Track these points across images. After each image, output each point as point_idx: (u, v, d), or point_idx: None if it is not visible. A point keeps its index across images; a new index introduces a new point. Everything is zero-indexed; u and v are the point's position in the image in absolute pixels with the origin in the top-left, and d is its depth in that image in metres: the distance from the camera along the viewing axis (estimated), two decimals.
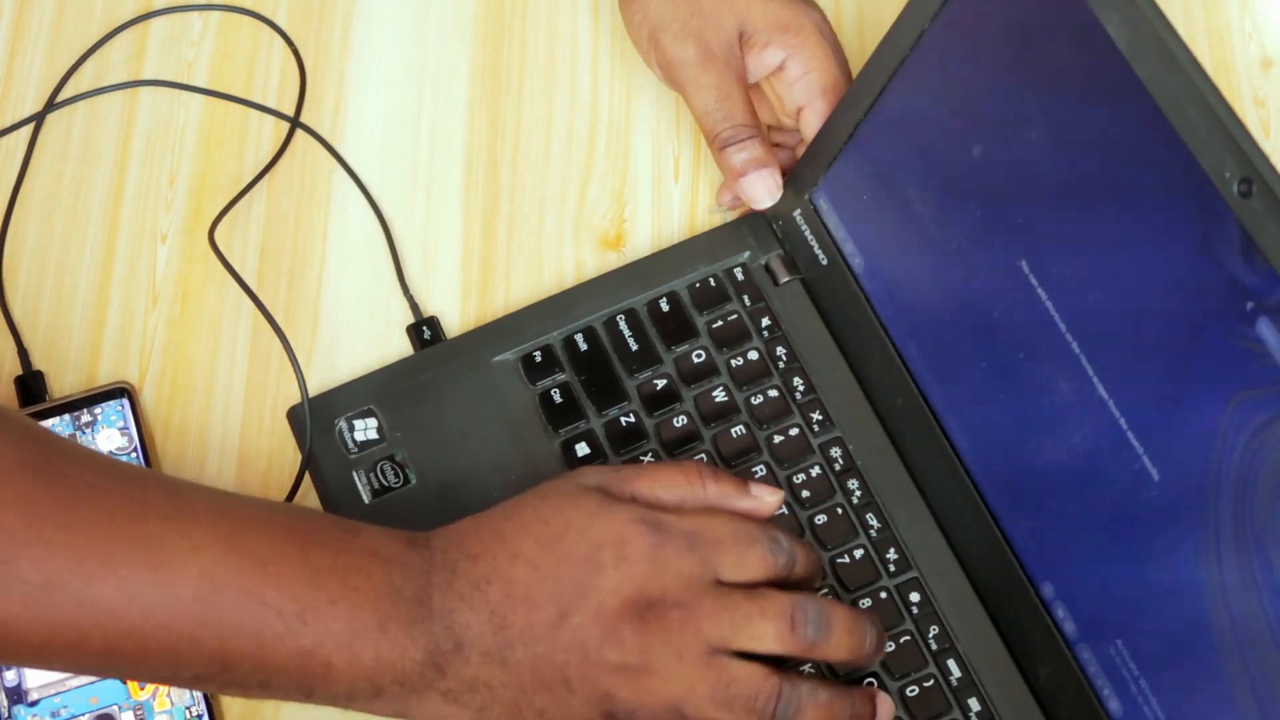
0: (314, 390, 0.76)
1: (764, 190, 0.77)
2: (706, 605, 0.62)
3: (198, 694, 0.70)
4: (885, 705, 0.66)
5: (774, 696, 0.62)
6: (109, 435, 0.75)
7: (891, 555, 0.72)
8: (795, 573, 0.65)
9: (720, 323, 0.77)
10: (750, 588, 0.63)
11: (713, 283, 0.78)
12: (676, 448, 0.74)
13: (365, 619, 0.60)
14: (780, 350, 0.77)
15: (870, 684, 0.69)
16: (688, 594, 0.61)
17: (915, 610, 0.71)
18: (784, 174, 0.79)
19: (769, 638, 0.62)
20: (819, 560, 0.67)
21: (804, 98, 0.77)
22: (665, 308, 0.78)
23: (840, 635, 0.64)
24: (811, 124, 0.77)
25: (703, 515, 0.64)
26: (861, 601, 0.71)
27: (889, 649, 0.70)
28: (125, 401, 0.76)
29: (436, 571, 0.61)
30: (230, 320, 0.79)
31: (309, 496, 0.75)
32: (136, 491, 0.60)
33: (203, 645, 0.59)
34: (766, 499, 0.67)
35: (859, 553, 0.72)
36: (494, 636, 0.61)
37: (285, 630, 0.59)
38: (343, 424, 0.75)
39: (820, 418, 0.75)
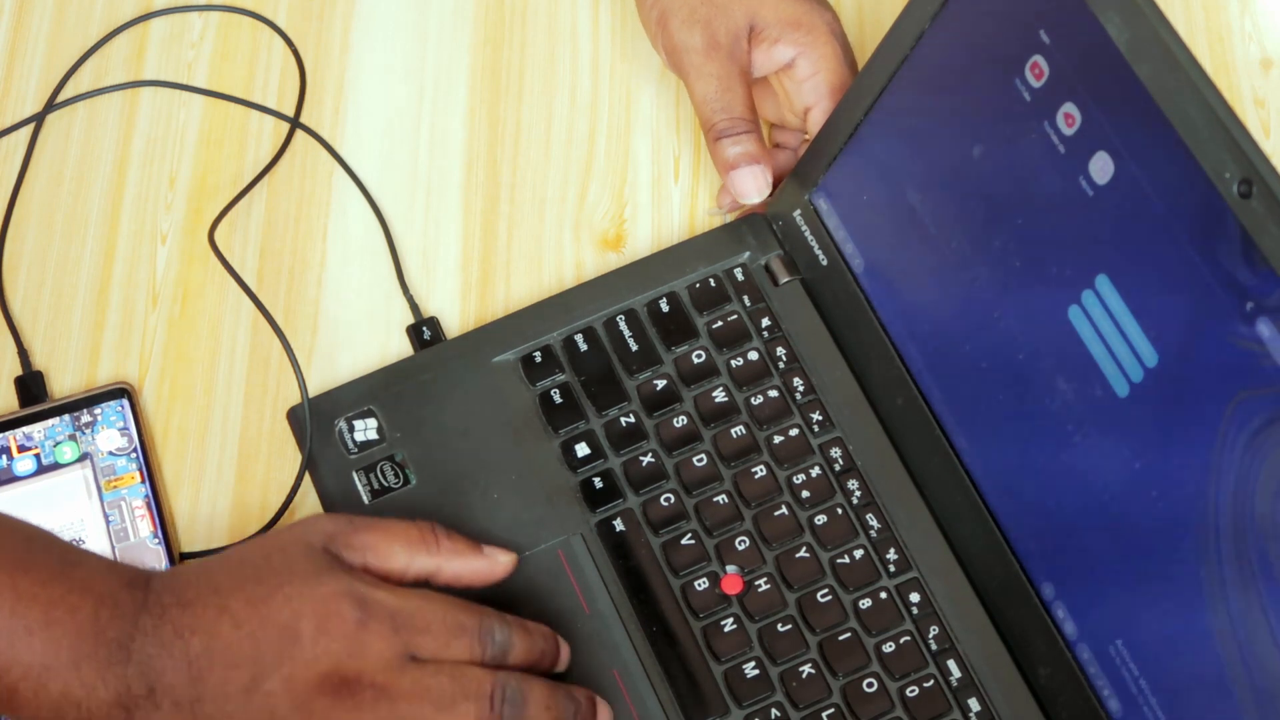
0: (314, 390, 0.76)
1: (753, 186, 0.77)
2: (404, 687, 0.61)
3: None
4: None
5: None
6: (109, 436, 0.75)
7: (891, 555, 0.72)
8: (511, 661, 0.64)
9: (720, 323, 0.77)
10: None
11: (713, 283, 0.78)
12: (676, 448, 0.74)
13: (60, 654, 0.59)
14: (780, 350, 0.77)
15: None
16: (384, 675, 0.61)
17: (915, 610, 0.71)
18: (784, 175, 0.79)
19: (467, 717, 0.62)
20: (541, 647, 0.66)
21: (812, 97, 0.77)
22: (665, 308, 0.78)
23: (536, 712, 0.63)
24: (819, 124, 0.77)
25: (417, 596, 0.63)
26: (861, 602, 0.71)
27: (888, 650, 0.70)
28: (125, 402, 0.76)
29: (146, 614, 0.61)
30: (230, 320, 0.79)
31: (309, 497, 0.75)
32: None
33: None
34: (499, 559, 0.68)
35: (859, 553, 0.72)
36: (188, 688, 0.60)
37: None
38: (343, 424, 0.75)
39: (820, 418, 0.75)
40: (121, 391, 0.76)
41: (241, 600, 0.61)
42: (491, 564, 0.68)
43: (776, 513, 0.73)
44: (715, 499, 0.73)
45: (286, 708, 0.60)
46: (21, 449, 0.75)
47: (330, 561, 0.63)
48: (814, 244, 0.78)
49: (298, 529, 0.65)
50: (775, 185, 0.79)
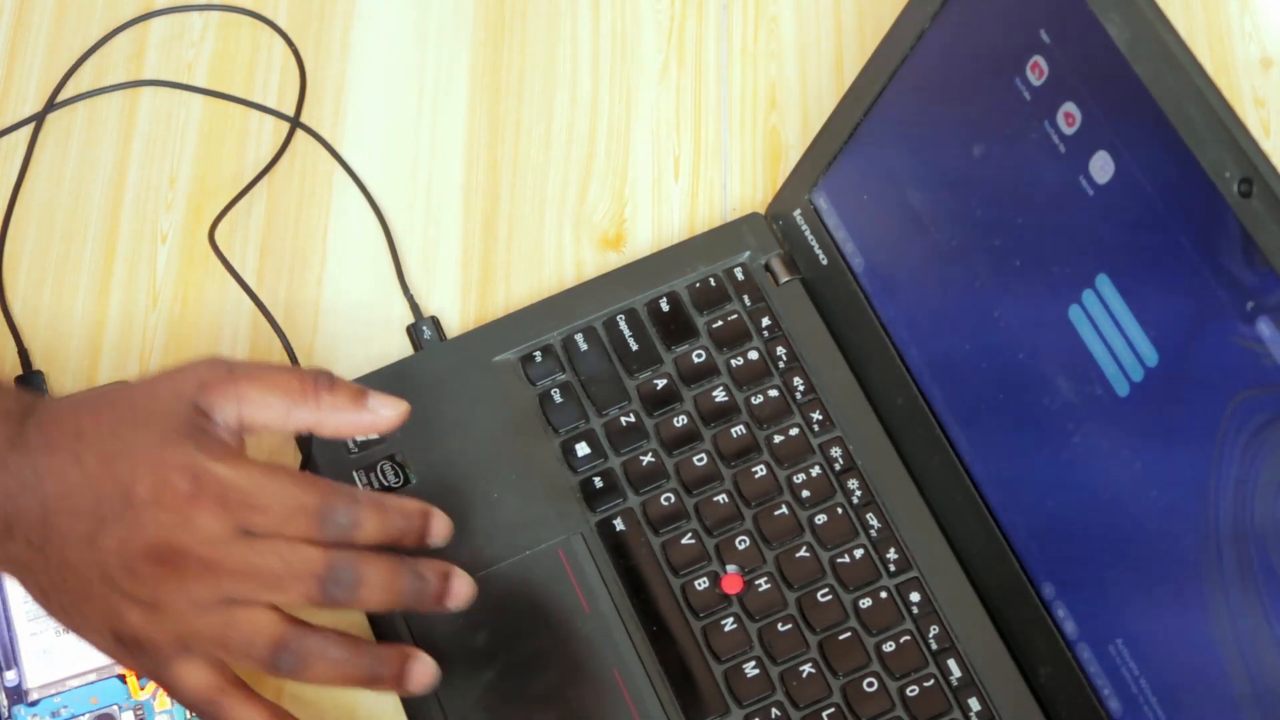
0: None
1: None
2: (230, 564, 0.60)
3: None
4: (421, 671, 0.64)
5: (273, 645, 0.61)
6: None
7: (891, 555, 0.72)
8: (360, 539, 0.63)
9: (720, 323, 0.77)
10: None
11: (713, 283, 0.78)
12: (676, 447, 0.74)
13: None
14: (780, 350, 0.77)
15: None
16: (210, 550, 0.60)
17: (915, 610, 0.71)
18: None
19: (294, 595, 0.61)
20: (400, 525, 0.64)
21: None
22: (665, 308, 0.78)
23: (371, 593, 0.62)
24: None
25: (261, 472, 0.62)
26: (861, 602, 0.71)
27: (888, 650, 0.70)
28: None
29: (15, 451, 0.61)
30: (230, 320, 0.79)
31: None
32: None
33: None
34: (381, 412, 0.66)
35: (859, 553, 0.72)
36: (38, 528, 0.61)
37: None
38: None
39: (820, 418, 0.75)
40: None
41: (95, 452, 0.61)
42: (374, 418, 0.66)
43: (777, 512, 0.73)
44: (715, 498, 0.73)
45: (116, 566, 0.60)
46: None
47: (189, 421, 0.62)
48: (814, 243, 0.78)
49: (177, 373, 0.64)
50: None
